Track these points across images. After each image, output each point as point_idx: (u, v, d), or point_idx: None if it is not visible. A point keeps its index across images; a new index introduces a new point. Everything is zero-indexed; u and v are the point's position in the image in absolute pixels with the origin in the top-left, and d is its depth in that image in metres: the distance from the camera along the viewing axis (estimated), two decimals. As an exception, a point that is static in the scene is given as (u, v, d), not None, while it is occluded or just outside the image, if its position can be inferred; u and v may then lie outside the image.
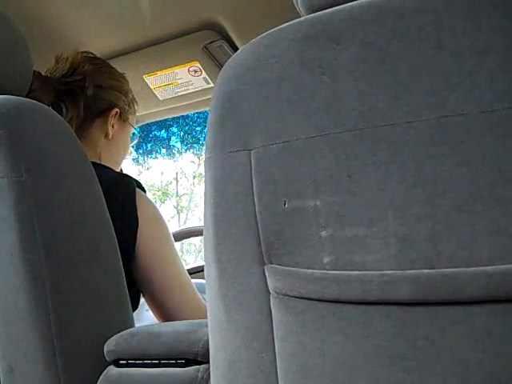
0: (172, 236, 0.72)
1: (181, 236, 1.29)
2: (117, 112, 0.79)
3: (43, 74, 0.77)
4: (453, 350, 0.27)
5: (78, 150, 0.59)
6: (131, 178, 0.71)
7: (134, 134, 0.92)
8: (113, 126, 0.79)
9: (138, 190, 0.69)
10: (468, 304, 0.27)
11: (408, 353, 0.28)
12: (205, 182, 0.36)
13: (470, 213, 0.27)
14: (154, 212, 0.70)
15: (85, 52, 0.80)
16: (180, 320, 0.64)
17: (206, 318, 0.68)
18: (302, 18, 0.33)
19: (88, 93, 0.76)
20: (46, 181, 0.53)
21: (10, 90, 0.59)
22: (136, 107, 0.85)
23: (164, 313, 0.67)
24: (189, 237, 1.29)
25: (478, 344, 0.27)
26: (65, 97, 0.76)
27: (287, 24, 0.33)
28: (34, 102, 0.58)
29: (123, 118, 0.81)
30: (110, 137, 0.79)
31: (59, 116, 0.59)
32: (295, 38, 0.32)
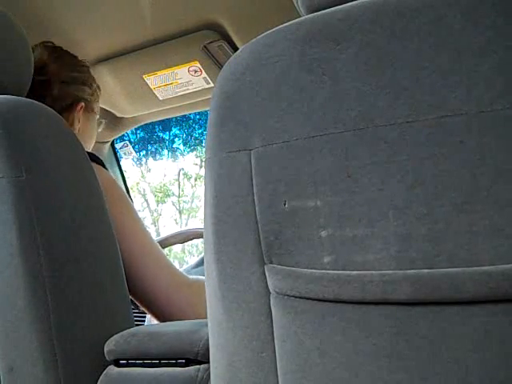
0: (136, 210, 0.71)
1: (182, 238, 1.28)
2: (82, 106, 0.77)
3: None
4: (452, 349, 0.27)
5: (78, 149, 0.59)
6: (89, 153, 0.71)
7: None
8: (79, 121, 0.77)
9: (92, 163, 0.69)
10: (467, 304, 0.27)
11: (407, 352, 0.28)
12: (205, 182, 0.36)
13: (470, 213, 0.27)
14: (111, 184, 0.68)
15: (44, 43, 0.77)
16: (158, 291, 0.64)
17: (183, 284, 0.66)
18: (301, 18, 0.33)
19: (53, 92, 0.74)
20: (45, 180, 0.52)
21: (10, 89, 0.59)
22: (99, 93, 0.83)
23: (141, 286, 0.65)
24: (191, 239, 1.28)
25: (478, 344, 0.27)
26: (28, 96, 0.74)
27: (287, 24, 0.33)
28: (34, 101, 0.58)
29: (88, 110, 0.79)
30: (77, 131, 0.77)
31: (59, 115, 0.59)
32: (295, 38, 0.32)
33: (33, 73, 0.72)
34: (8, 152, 0.50)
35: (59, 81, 0.75)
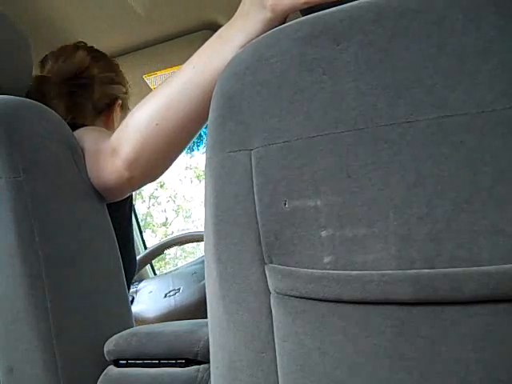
0: None
1: (181, 241, 1.31)
2: (119, 104, 0.81)
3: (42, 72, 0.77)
4: (453, 349, 0.27)
5: (76, 149, 0.59)
6: None
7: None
8: (117, 119, 0.81)
9: None
10: (468, 304, 0.27)
11: (408, 352, 0.28)
12: (205, 182, 0.36)
13: (470, 213, 0.27)
14: None
15: (81, 43, 0.80)
16: None
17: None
18: (302, 18, 0.33)
19: (95, 94, 0.78)
20: (44, 180, 0.52)
21: (9, 89, 0.59)
22: (129, 88, 0.87)
23: None
24: (189, 242, 1.31)
25: (478, 344, 0.27)
26: (70, 98, 0.76)
27: (288, 24, 0.33)
28: (33, 101, 0.58)
29: (124, 107, 0.83)
30: (113, 126, 0.80)
31: (57, 115, 0.59)
32: (296, 38, 0.32)
33: (76, 75, 0.74)
34: (6, 152, 0.50)
35: (100, 82, 0.78)
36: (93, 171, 0.57)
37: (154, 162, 0.52)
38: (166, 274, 1.22)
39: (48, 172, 0.53)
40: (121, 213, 0.73)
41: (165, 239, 1.35)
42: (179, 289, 1.08)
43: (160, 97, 0.48)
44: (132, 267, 0.79)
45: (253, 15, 0.41)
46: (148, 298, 1.09)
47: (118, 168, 0.53)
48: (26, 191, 0.50)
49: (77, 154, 0.58)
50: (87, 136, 0.61)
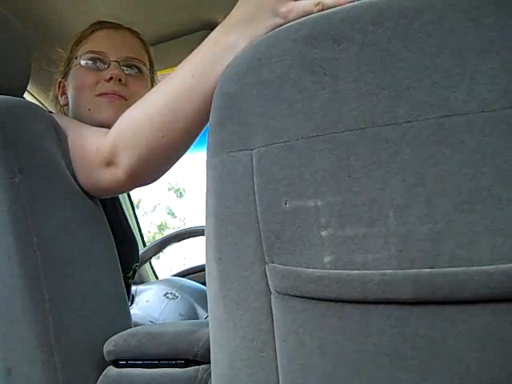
0: None
1: (182, 236, 1.29)
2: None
3: None
4: (453, 349, 0.28)
5: None
6: None
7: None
8: None
9: None
10: (468, 303, 0.27)
11: (408, 352, 0.28)
12: (206, 182, 0.36)
13: (470, 212, 0.27)
14: None
15: None
16: None
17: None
18: (303, 18, 0.33)
19: None
20: (39, 181, 0.52)
21: (7, 89, 0.59)
22: None
23: None
24: (189, 237, 1.29)
25: (478, 343, 0.27)
26: None
27: (288, 24, 0.33)
28: (28, 101, 0.57)
29: None
30: None
31: (52, 116, 0.58)
32: (296, 38, 0.32)
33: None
34: (1, 153, 0.50)
35: None
36: (83, 178, 0.57)
37: (158, 169, 0.54)
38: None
39: (44, 172, 0.53)
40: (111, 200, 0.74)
41: (165, 235, 1.32)
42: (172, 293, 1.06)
43: (160, 108, 0.47)
44: (132, 250, 0.79)
45: (259, 22, 0.40)
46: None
47: (118, 177, 0.54)
48: (22, 192, 0.50)
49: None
50: (71, 129, 0.59)
